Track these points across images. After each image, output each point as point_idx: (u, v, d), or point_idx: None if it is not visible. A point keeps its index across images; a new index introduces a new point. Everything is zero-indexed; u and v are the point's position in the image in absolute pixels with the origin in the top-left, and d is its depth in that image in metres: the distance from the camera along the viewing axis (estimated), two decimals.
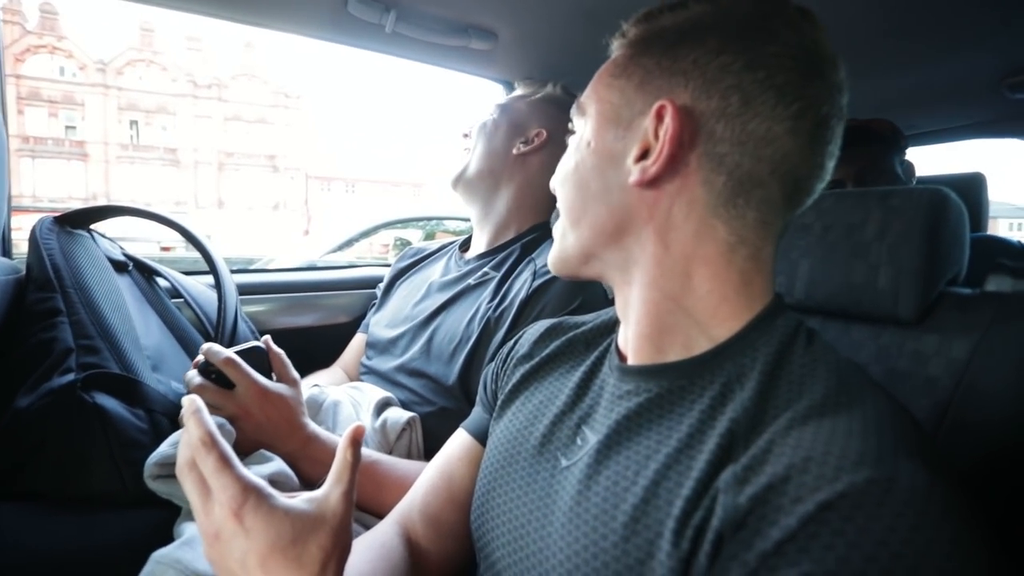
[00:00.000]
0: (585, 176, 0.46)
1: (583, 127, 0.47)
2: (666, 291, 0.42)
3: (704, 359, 0.41)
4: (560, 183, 0.49)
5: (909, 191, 0.60)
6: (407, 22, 0.95)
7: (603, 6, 0.90)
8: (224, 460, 0.37)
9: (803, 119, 0.39)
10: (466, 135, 0.98)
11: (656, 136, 0.41)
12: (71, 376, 0.63)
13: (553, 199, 0.51)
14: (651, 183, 0.41)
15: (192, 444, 0.38)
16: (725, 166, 0.39)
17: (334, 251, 3.42)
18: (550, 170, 0.90)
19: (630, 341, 0.46)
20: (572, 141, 0.49)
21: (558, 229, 0.50)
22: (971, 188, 1.40)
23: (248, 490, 0.36)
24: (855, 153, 1.16)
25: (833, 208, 0.65)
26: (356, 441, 0.40)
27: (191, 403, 0.39)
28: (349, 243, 3.51)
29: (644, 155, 0.41)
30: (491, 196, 0.95)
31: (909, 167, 1.21)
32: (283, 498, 0.37)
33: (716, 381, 0.39)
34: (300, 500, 0.38)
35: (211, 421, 0.39)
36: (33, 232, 0.78)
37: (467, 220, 1.08)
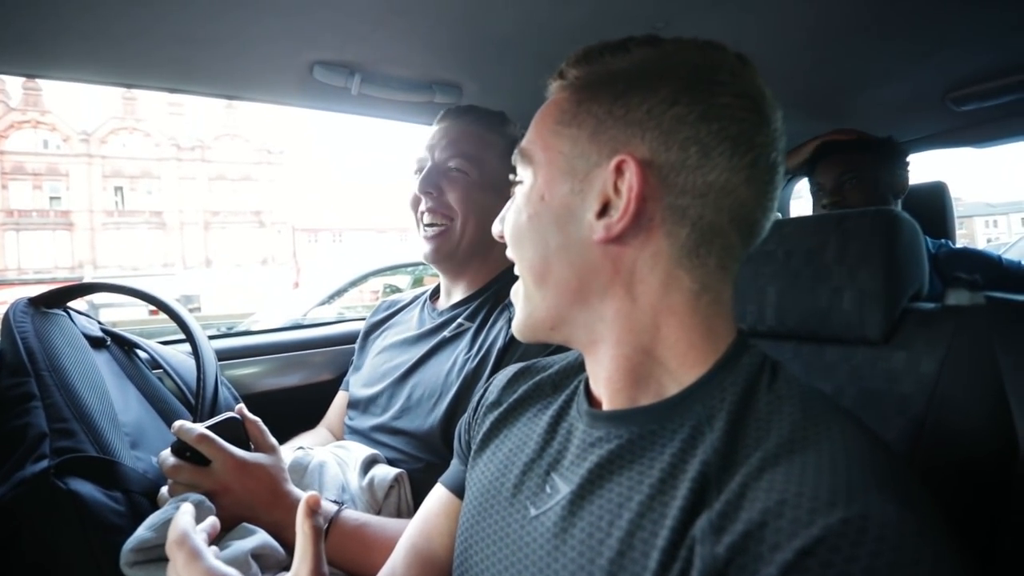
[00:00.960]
0: (543, 232, 0.44)
1: (530, 177, 0.45)
2: (636, 344, 0.42)
3: (673, 402, 0.41)
4: (515, 239, 0.46)
5: (861, 213, 0.62)
6: (372, 83, 0.98)
7: (560, 55, 0.94)
8: (195, 552, 0.42)
9: (756, 167, 0.40)
10: (429, 204, 0.89)
11: (616, 190, 0.40)
12: (45, 463, 0.62)
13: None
14: (615, 239, 0.41)
15: (173, 538, 0.44)
16: (688, 218, 0.40)
17: (323, 303, 3.40)
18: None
19: (603, 392, 0.45)
20: (519, 191, 0.47)
21: (519, 292, 0.47)
22: (934, 197, 1.44)
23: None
24: (836, 159, 1.21)
25: (793, 234, 0.67)
26: (312, 511, 0.41)
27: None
28: (339, 293, 3.50)
29: (604, 209, 0.41)
30: (476, 265, 0.91)
31: (900, 181, 1.23)
32: None
33: (686, 424, 0.39)
34: None
35: (189, 516, 0.44)
36: (6, 316, 0.78)
37: None
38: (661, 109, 0.40)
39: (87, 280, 0.92)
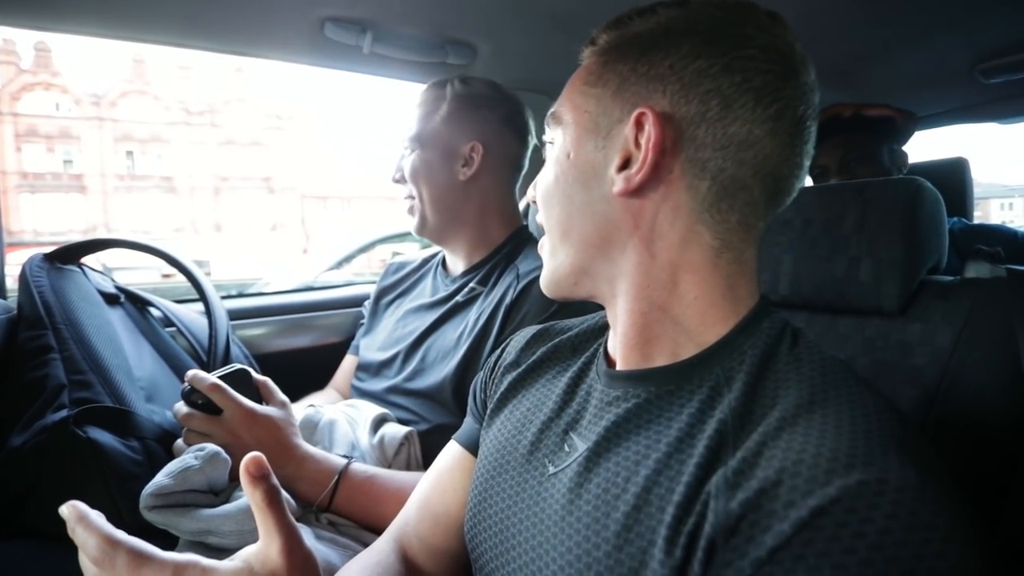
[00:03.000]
0: (568, 189, 0.45)
1: (560, 138, 0.46)
2: (653, 300, 0.42)
3: (692, 363, 0.41)
4: (543, 199, 0.48)
5: (884, 182, 0.60)
6: (384, 42, 0.96)
7: (576, 14, 0.91)
8: (137, 555, 0.34)
9: (782, 120, 0.39)
10: (397, 180, 0.93)
11: (637, 144, 0.40)
12: (64, 412, 0.64)
13: (515, 203, 0.51)
14: (635, 192, 0.41)
15: (92, 557, 0.35)
16: (709, 171, 0.40)
17: (332, 269, 3.43)
18: (499, 175, 0.91)
19: (618, 349, 0.46)
20: (550, 153, 0.48)
21: (545, 248, 0.49)
22: (954, 173, 1.40)
23: (181, 568, 0.35)
24: (840, 139, 1.17)
25: (812, 203, 0.66)
26: (257, 475, 0.35)
27: (71, 512, 0.36)
28: (347, 259, 3.52)
29: (626, 164, 0.41)
30: (457, 227, 0.92)
31: (900, 157, 1.20)
32: (225, 565, 0.36)
33: (704, 385, 0.39)
34: (240, 560, 0.36)
35: (103, 525, 0.35)
36: (23, 270, 0.79)
37: None
38: (683, 64, 0.39)
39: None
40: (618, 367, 0.46)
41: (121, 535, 0.35)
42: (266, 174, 30.26)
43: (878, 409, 0.34)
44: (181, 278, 0.97)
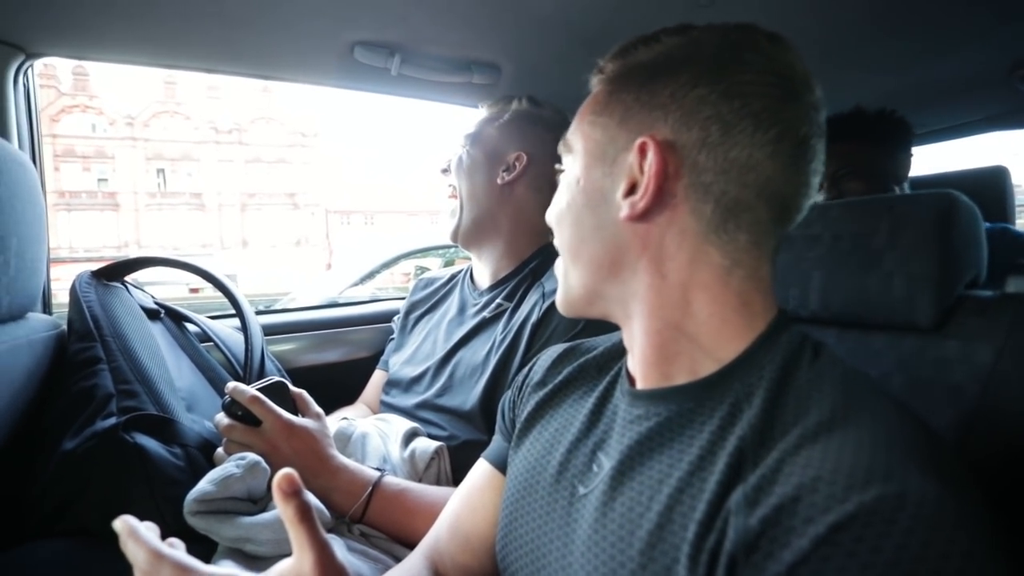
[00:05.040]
0: (579, 214, 0.47)
1: (572, 164, 0.48)
2: (667, 319, 0.43)
3: (711, 380, 0.41)
4: (556, 221, 0.50)
5: (915, 197, 0.60)
6: (411, 64, 1.00)
7: (600, 34, 0.93)
8: (181, 568, 0.36)
9: (782, 142, 0.40)
10: (445, 170, 0.97)
11: (641, 171, 0.42)
12: (113, 419, 0.67)
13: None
14: (641, 217, 0.42)
15: (141, 570, 0.37)
16: (711, 194, 0.41)
17: (356, 284, 3.48)
18: (539, 191, 0.93)
19: (637, 368, 0.46)
20: (563, 179, 0.50)
21: (560, 268, 0.51)
22: (994, 181, 1.37)
23: None
24: (831, 150, 1.08)
25: (840, 218, 0.65)
26: (289, 491, 0.35)
27: (123, 527, 0.38)
28: (371, 275, 3.56)
29: (631, 190, 0.43)
30: (489, 233, 0.94)
31: (900, 169, 1.10)
32: None
33: (724, 402, 0.39)
34: (275, 574, 0.38)
35: (151, 539, 0.38)
36: (73, 287, 0.83)
37: None
38: (683, 92, 0.41)
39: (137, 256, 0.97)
40: (639, 386, 0.46)
41: (167, 550, 0.37)
42: (291, 190, 30.98)
43: (901, 423, 0.34)
44: (209, 293, 1.01)
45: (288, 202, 31.02)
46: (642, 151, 0.42)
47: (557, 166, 0.52)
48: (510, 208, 0.92)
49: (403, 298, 1.16)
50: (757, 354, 0.40)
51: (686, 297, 0.42)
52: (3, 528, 0.66)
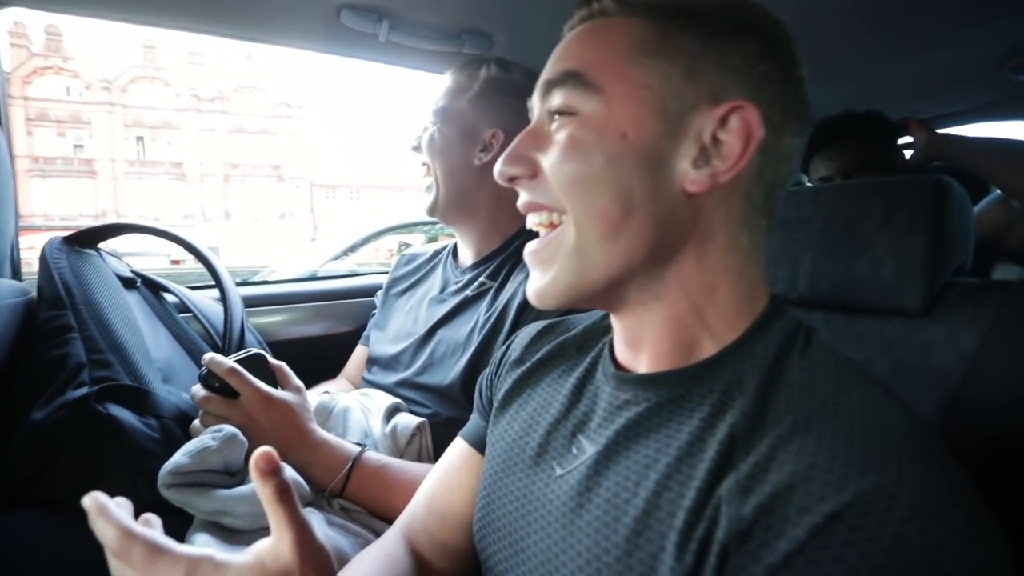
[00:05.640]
0: (626, 177, 0.38)
1: (598, 109, 0.39)
2: (689, 306, 0.41)
3: (704, 366, 0.40)
4: (577, 183, 0.39)
5: (909, 180, 0.59)
6: (400, 30, 0.96)
7: None
8: (152, 548, 0.34)
9: (804, 136, 0.41)
10: (415, 148, 0.91)
11: (714, 139, 0.37)
12: (84, 389, 0.65)
13: None
14: (706, 192, 0.38)
15: (110, 548, 0.34)
16: (764, 177, 0.39)
17: (337, 258, 3.44)
18: None
19: (629, 353, 0.44)
20: (575, 125, 0.39)
21: (566, 243, 0.40)
22: None
23: (195, 563, 0.34)
24: (843, 149, 1.13)
25: (832, 201, 0.65)
26: (267, 470, 0.33)
27: (92, 503, 0.35)
28: (353, 248, 3.53)
29: (701, 159, 0.38)
30: (469, 212, 0.90)
31: (900, 158, 1.15)
32: (237, 559, 0.35)
33: (715, 389, 0.39)
34: (252, 555, 0.35)
35: (121, 516, 0.35)
36: (43, 252, 0.80)
37: None
38: (751, 62, 0.38)
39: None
40: (642, 370, 0.43)
41: (138, 529, 0.34)
42: (275, 162, 30.34)
43: (893, 414, 0.34)
44: (190, 265, 0.98)
45: (272, 174, 30.41)
46: (723, 119, 0.37)
47: (552, 103, 0.41)
48: (490, 187, 0.87)
49: (387, 272, 1.14)
50: (750, 341, 0.40)
51: (713, 282, 0.40)
52: None
